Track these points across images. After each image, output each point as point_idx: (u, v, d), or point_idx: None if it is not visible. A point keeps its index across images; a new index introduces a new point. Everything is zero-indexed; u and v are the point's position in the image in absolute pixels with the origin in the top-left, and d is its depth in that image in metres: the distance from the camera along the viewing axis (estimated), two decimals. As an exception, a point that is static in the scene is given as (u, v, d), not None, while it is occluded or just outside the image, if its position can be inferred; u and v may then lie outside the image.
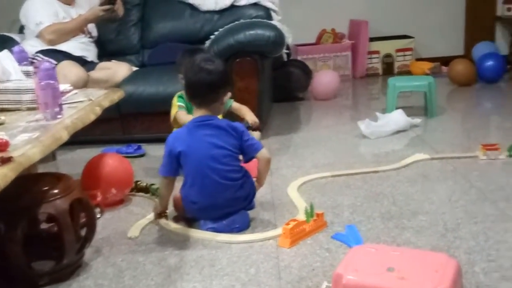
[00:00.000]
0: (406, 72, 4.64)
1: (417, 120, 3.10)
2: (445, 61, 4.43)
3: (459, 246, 1.70)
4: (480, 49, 4.44)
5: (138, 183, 2.30)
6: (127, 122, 3.03)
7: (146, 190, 2.27)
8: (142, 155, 2.85)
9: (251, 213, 1.96)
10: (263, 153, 1.92)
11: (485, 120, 3.32)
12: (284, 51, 3.29)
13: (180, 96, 2.37)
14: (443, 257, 1.28)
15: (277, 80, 3.67)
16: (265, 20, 3.08)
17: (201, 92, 1.88)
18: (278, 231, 1.80)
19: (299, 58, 4.35)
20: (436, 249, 1.68)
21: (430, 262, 1.25)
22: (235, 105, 2.37)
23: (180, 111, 2.34)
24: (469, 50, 4.68)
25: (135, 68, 3.23)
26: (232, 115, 2.27)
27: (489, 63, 4.12)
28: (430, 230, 1.83)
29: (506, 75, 4.29)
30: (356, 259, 1.30)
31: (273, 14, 3.34)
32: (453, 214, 1.94)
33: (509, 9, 4.53)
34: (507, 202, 2.01)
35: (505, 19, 4.62)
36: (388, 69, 4.72)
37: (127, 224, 2.00)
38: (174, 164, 1.87)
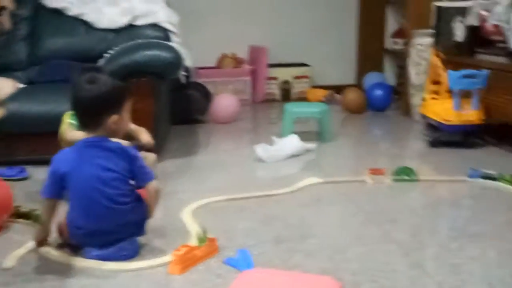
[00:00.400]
0: (303, 98, 4.78)
1: (312, 145, 3.19)
2: (339, 89, 4.63)
3: (346, 268, 1.75)
4: (370, 79, 4.70)
5: (19, 208, 2.16)
6: (10, 143, 2.85)
7: (27, 216, 2.13)
8: (25, 178, 2.68)
9: (141, 239, 1.90)
10: (152, 184, 1.84)
11: (374, 146, 3.48)
12: (182, 73, 3.28)
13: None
14: (328, 280, 1.31)
15: (176, 103, 3.64)
16: (162, 41, 3.06)
17: (82, 115, 1.80)
18: (169, 257, 1.76)
19: (200, 81, 4.36)
20: (324, 271, 1.72)
21: (315, 286, 1.27)
22: (132, 126, 2.30)
23: (70, 129, 2.22)
24: (360, 79, 4.93)
25: (21, 85, 3.07)
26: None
27: (378, 92, 4.36)
28: (319, 253, 1.87)
29: (394, 104, 4.54)
30: (244, 284, 1.30)
31: (171, 35, 3.33)
32: (341, 237, 2.00)
33: (395, 43, 4.82)
34: (391, 224, 2.10)
35: (392, 51, 4.92)
36: (286, 95, 4.84)
37: (4, 253, 1.85)
38: (58, 185, 1.76)
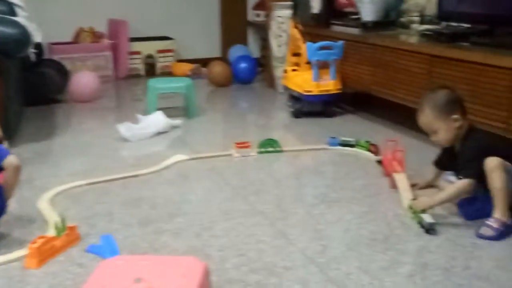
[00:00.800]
0: (168, 73, 4.70)
1: (178, 122, 3.14)
2: (205, 62, 4.60)
3: (213, 244, 1.75)
4: (235, 51, 4.72)
5: None
6: None
7: None
8: None
9: (-6, 232, 1.76)
10: (9, 160, 1.72)
11: (241, 119, 3.51)
12: (32, 50, 3.05)
13: None
14: (191, 260, 1.30)
15: (28, 82, 3.38)
16: (7, 16, 2.80)
17: None
18: (24, 251, 1.64)
19: (55, 57, 4.10)
20: (192, 249, 1.71)
21: (179, 268, 1.25)
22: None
23: None
24: (225, 52, 4.94)
25: None
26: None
27: (243, 65, 4.40)
28: (187, 231, 1.85)
29: (259, 77, 4.62)
30: (105, 274, 1.24)
31: (17, 10, 3.06)
32: (209, 213, 1.99)
33: (258, 15, 4.88)
34: (256, 196, 2.14)
35: (254, 24, 4.98)
36: (151, 70, 4.73)
37: None
38: None
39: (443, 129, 1.91)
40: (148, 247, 1.73)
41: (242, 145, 2.66)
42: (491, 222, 1.77)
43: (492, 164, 1.80)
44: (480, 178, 1.83)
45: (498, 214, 1.78)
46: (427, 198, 1.95)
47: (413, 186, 2.13)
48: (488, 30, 2.68)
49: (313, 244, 1.75)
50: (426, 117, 1.92)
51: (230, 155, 2.64)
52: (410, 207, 1.93)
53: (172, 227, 1.88)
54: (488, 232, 1.76)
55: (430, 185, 2.14)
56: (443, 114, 1.89)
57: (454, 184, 1.90)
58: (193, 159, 2.58)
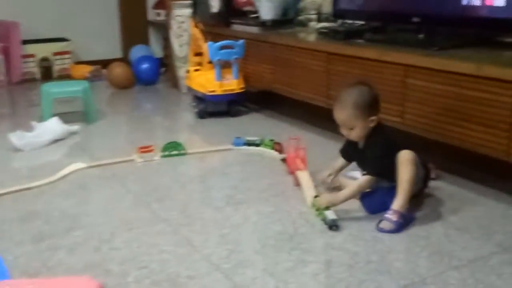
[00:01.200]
0: (66, 76, 4.50)
1: (76, 127, 3.00)
2: (106, 64, 4.44)
3: (113, 257, 1.67)
4: (136, 52, 4.60)
5: None
6: None
7: None
8: None
9: None
10: None
11: (144, 121, 3.41)
12: None
13: None
14: (85, 281, 1.22)
15: None
16: None
17: None
18: None
19: None
20: (90, 265, 1.62)
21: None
22: None
23: None
24: (126, 53, 4.79)
25: None
26: None
27: (145, 65, 4.29)
28: (84, 245, 1.75)
29: (162, 77, 4.53)
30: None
31: None
32: (109, 224, 1.90)
33: (158, 14, 4.77)
34: (160, 203, 2.07)
35: (155, 23, 4.87)
36: (47, 73, 4.50)
37: None
38: None
39: (360, 127, 1.90)
40: (41, 266, 1.62)
41: (144, 149, 2.57)
42: (389, 215, 1.81)
43: (407, 157, 1.84)
44: (385, 172, 1.88)
45: (397, 205, 1.83)
46: (330, 195, 1.97)
47: (329, 175, 2.13)
48: (381, 27, 2.77)
49: (218, 249, 1.71)
50: (347, 115, 1.90)
51: (132, 160, 2.55)
52: (314, 205, 1.95)
53: (68, 242, 1.77)
54: (387, 225, 1.80)
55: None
56: (364, 114, 1.88)
57: (357, 181, 1.94)
58: (92, 167, 2.47)
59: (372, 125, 1.91)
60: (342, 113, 1.91)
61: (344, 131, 1.96)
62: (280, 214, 1.96)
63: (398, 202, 1.83)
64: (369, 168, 1.90)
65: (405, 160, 1.84)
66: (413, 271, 1.56)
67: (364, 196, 1.94)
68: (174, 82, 4.18)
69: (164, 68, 4.62)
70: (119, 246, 1.74)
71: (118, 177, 2.35)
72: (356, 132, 1.92)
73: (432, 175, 2.22)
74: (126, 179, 2.33)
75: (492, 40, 2.40)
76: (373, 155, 1.91)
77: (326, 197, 1.95)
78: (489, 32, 2.38)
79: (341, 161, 2.14)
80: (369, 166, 1.91)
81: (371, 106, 1.90)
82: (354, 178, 2.07)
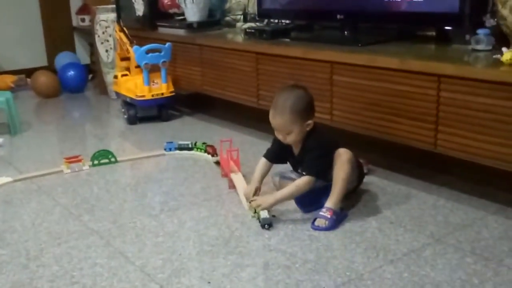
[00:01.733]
0: (-14, 87, 4.28)
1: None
2: (31, 73, 4.26)
3: (42, 274, 1.59)
4: (61, 59, 4.43)
5: None
6: None
7: None
8: None
9: None
10: None
11: (73, 130, 3.29)
12: None
13: None
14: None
15: None
16: None
17: None
18: None
19: None
20: (18, 285, 1.53)
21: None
22: None
23: None
24: (52, 60, 4.62)
25: None
26: None
27: (71, 72, 4.14)
28: (11, 264, 1.65)
29: (90, 84, 4.40)
30: None
31: None
32: (36, 240, 1.81)
33: (83, 20, 4.63)
34: (90, 214, 2.00)
35: (80, 29, 4.72)
36: (-35, 85, 4.26)
37: None
38: None
39: (296, 132, 1.88)
40: (-38, 291, 1.52)
41: (72, 159, 2.47)
42: (323, 212, 1.82)
43: (345, 156, 1.85)
44: (323, 172, 1.88)
45: (330, 203, 1.84)
46: (267, 196, 1.93)
47: (256, 190, 2.03)
48: (307, 25, 2.80)
49: (152, 259, 1.66)
50: (284, 120, 1.86)
51: (60, 172, 2.44)
52: (250, 208, 1.92)
53: (-8, 262, 1.67)
54: (322, 223, 1.81)
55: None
56: (301, 119, 1.86)
57: (295, 182, 1.90)
58: (18, 180, 2.35)
59: (308, 128, 1.90)
60: (280, 118, 1.87)
61: (279, 136, 1.92)
62: (215, 219, 1.92)
63: (332, 200, 1.84)
64: (308, 169, 1.87)
65: (342, 159, 1.85)
66: (350, 268, 1.57)
67: (299, 196, 1.93)
68: (103, 89, 4.07)
69: (91, 75, 4.49)
70: (48, 263, 1.66)
71: (46, 190, 2.25)
72: (292, 136, 1.90)
73: (364, 170, 2.26)
74: (54, 191, 2.23)
75: (414, 34, 2.46)
76: (312, 156, 1.88)
77: (263, 199, 1.92)
78: (411, 26, 2.45)
79: (260, 169, 2.05)
80: (308, 167, 1.87)
81: (307, 110, 1.88)
82: (292, 179, 2.06)
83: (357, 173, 1.98)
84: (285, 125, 1.87)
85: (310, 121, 1.88)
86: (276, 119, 1.88)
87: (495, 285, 1.46)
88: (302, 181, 1.87)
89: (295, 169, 2.03)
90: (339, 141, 1.96)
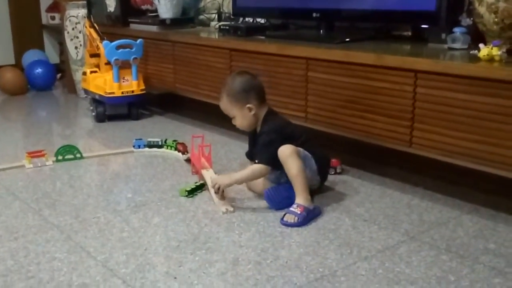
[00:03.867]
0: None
1: (-43, 135, 2.73)
2: (-3, 70, 4.12)
3: (-5, 269, 1.49)
4: (29, 57, 4.31)
5: None
6: None
7: None
8: None
9: None
10: None
11: (38, 127, 3.16)
12: None
13: None
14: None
15: None
16: None
17: None
18: None
19: None
20: (-33, 279, 1.43)
21: None
22: None
23: None
24: (19, 58, 4.48)
25: None
26: None
27: (38, 70, 4.03)
28: (-38, 258, 1.55)
29: (59, 83, 4.29)
30: None
31: None
32: (-8, 234, 1.71)
33: (52, 18, 4.52)
34: (51, 209, 1.90)
35: (50, 27, 4.60)
36: None
37: None
38: None
39: (239, 116, 1.94)
40: None
41: (34, 154, 2.37)
42: (293, 208, 1.77)
43: (285, 153, 1.82)
44: (276, 162, 1.85)
45: (299, 199, 1.79)
46: (225, 176, 1.96)
47: None
48: (283, 24, 2.76)
49: (116, 254, 1.57)
50: (223, 103, 1.96)
51: (22, 166, 2.34)
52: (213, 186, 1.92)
53: None
54: (291, 218, 1.75)
55: None
56: (238, 102, 1.92)
57: (250, 167, 1.91)
58: (-25, 175, 2.24)
59: (252, 113, 1.92)
60: (221, 102, 1.97)
61: (232, 122, 1.98)
62: (183, 215, 1.85)
63: (299, 196, 1.80)
64: (259, 157, 1.88)
65: (285, 156, 1.82)
66: (323, 264, 1.51)
67: (269, 192, 1.87)
68: (71, 87, 3.95)
69: (60, 74, 4.37)
70: (3, 257, 1.55)
71: (5, 185, 2.14)
72: (238, 120, 1.96)
73: (338, 169, 2.22)
74: (13, 185, 2.13)
75: (390, 34, 2.44)
76: (260, 142, 1.90)
77: (223, 178, 1.93)
78: (387, 25, 2.43)
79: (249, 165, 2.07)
80: (258, 154, 1.89)
81: (242, 94, 1.91)
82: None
83: (315, 168, 1.91)
84: (225, 108, 1.96)
85: (250, 105, 1.91)
86: (220, 104, 1.99)
87: (472, 282, 1.41)
88: (257, 167, 1.87)
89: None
90: (295, 132, 1.94)
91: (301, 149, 1.87)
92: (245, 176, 1.91)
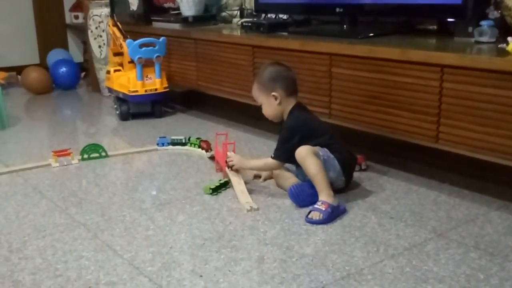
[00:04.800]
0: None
1: (-14, 134, 2.77)
2: (22, 70, 4.17)
3: (24, 267, 1.51)
4: (54, 56, 4.36)
5: None
6: None
7: None
8: None
9: None
10: None
11: (64, 126, 3.20)
12: None
13: None
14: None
15: None
16: None
17: None
18: None
19: None
20: (-3, 278, 1.45)
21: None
22: None
23: None
24: (44, 58, 4.54)
25: None
26: None
27: (63, 69, 4.07)
28: (-11, 256, 1.57)
29: (83, 81, 4.33)
30: None
31: None
32: (20, 232, 1.73)
33: (76, 17, 4.56)
34: (77, 208, 1.91)
35: (74, 26, 4.65)
36: (-43, 81, 4.17)
37: None
38: None
39: (265, 104, 1.99)
40: None
41: (60, 153, 2.39)
42: (318, 205, 1.76)
43: (302, 154, 1.83)
44: (285, 157, 1.91)
45: (323, 196, 1.78)
46: (241, 158, 2.06)
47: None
48: (305, 20, 2.74)
49: (142, 252, 1.58)
50: (254, 90, 2.01)
51: (48, 165, 2.36)
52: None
53: (-28, 254, 1.59)
54: (316, 215, 1.74)
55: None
56: (265, 89, 1.97)
57: (265, 159, 1.99)
58: (2, 173, 2.27)
59: (277, 102, 1.95)
60: (253, 89, 2.02)
61: (262, 111, 2.03)
62: (208, 213, 1.85)
63: (322, 193, 1.79)
64: (274, 152, 1.93)
65: (301, 158, 1.83)
66: (349, 262, 1.50)
67: (293, 190, 1.86)
68: (95, 86, 3.99)
69: (84, 73, 4.41)
70: (31, 255, 1.58)
71: (32, 183, 2.17)
72: (264, 109, 2.00)
73: (363, 166, 2.20)
74: (40, 184, 2.15)
75: (415, 28, 2.40)
76: (280, 137, 1.95)
77: (237, 158, 2.04)
78: (412, 19, 2.39)
79: None
80: (275, 149, 1.94)
81: (272, 81, 1.95)
82: (287, 170, 2.02)
83: (338, 167, 1.89)
84: (255, 94, 2.02)
85: (274, 93, 1.95)
86: (252, 90, 2.03)
87: (501, 280, 1.38)
88: (270, 161, 1.94)
89: None
90: (319, 129, 1.94)
91: (322, 150, 1.86)
92: (258, 166, 2.04)
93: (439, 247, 1.57)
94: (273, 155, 1.93)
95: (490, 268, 1.45)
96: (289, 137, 1.89)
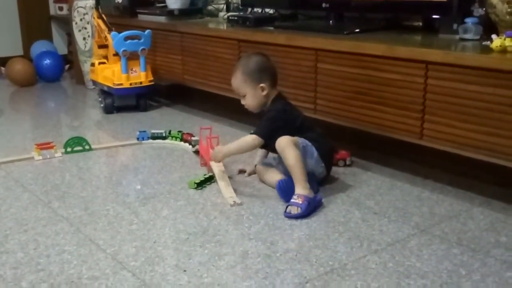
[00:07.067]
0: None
1: (-33, 126, 2.73)
2: (5, 61, 4.12)
3: (5, 261, 1.49)
4: (38, 48, 4.31)
5: None
6: None
7: None
8: None
9: None
10: None
11: (47, 119, 3.16)
12: None
13: None
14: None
15: None
16: None
17: None
18: None
19: None
20: (-23, 272, 1.43)
21: None
22: None
23: None
24: (27, 49, 4.49)
25: None
26: None
27: (47, 62, 4.02)
28: (-28, 251, 1.55)
29: (67, 74, 4.29)
30: None
31: None
32: (1, 226, 1.71)
33: (61, 8, 4.51)
34: (60, 201, 1.90)
35: (58, 18, 4.60)
36: None
37: None
38: None
39: (250, 95, 1.97)
40: None
41: (43, 146, 2.37)
42: (294, 199, 1.76)
43: (282, 143, 1.83)
44: (268, 136, 1.90)
45: (299, 189, 1.78)
46: (221, 148, 2.01)
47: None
48: (291, 14, 2.73)
49: (125, 247, 1.57)
50: (237, 80, 1.98)
51: (31, 158, 2.34)
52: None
53: (-48, 249, 1.56)
54: (294, 210, 1.74)
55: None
56: (251, 80, 1.95)
57: (243, 137, 1.96)
58: (-16, 167, 2.24)
59: (264, 93, 1.94)
60: (233, 79, 1.99)
61: (242, 101, 2.00)
62: (192, 207, 1.84)
63: (299, 186, 1.79)
64: (256, 128, 1.93)
65: (281, 147, 1.83)
66: (333, 257, 1.50)
67: (280, 185, 1.87)
68: (79, 78, 3.95)
69: (68, 65, 4.37)
70: (12, 249, 1.56)
71: (14, 176, 2.14)
72: (248, 100, 1.98)
73: (347, 161, 2.20)
74: (23, 177, 2.13)
75: (400, 24, 2.41)
76: (264, 117, 1.94)
77: (220, 149, 2.00)
78: (398, 15, 2.40)
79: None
80: (257, 126, 1.93)
81: (259, 72, 1.94)
82: (271, 164, 2.03)
83: (316, 156, 1.91)
84: (238, 86, 1.98)
85: (263, 85, 1.94)
86: (232, 81, 2.00)
87: (483, 276, 1.40)
88: (249, 137, 1.93)
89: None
90: (298, 118, 1.96)
91: (301, 139, 1.88)
92: (239, 146, 1.96)
93: (422, 242, 1.58)
94: (254, 131, 1.92)
95: (472, 264, 1.46)
96: (276, 117, 1.91)
